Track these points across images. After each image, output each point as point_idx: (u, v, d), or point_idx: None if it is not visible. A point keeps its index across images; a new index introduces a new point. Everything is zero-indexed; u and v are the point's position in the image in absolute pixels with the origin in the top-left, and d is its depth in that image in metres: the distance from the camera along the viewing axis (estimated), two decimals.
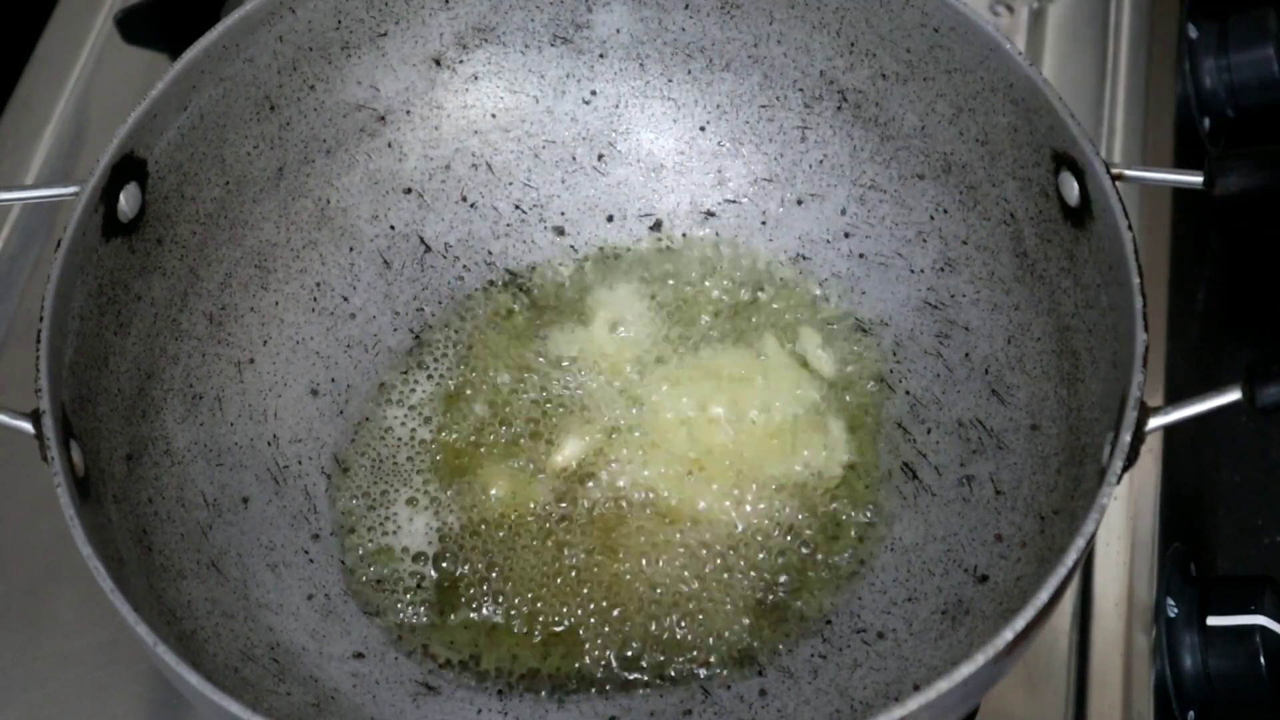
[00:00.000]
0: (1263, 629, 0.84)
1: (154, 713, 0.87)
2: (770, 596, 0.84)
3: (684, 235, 0.94)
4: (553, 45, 0.94)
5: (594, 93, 0.95)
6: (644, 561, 0.85)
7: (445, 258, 0.94)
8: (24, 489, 0.92)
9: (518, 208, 0.95)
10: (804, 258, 0.93)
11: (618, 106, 0.96)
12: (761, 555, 0.85)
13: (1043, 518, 0.80)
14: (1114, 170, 0.78)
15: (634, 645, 0.83)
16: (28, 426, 0.75)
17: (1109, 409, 0.75)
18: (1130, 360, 0.73)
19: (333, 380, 0.90)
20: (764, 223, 0.94)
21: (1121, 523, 0.90)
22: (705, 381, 0.90)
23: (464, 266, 0.94)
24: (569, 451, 0.88)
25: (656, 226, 0.94)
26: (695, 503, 0.86)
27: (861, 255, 0.92)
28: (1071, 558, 0.70)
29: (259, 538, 0.85)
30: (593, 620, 0.83)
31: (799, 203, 0.94)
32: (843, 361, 0.90)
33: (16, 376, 0.82)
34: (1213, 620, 0.85)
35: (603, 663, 0.82)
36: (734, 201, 0.95)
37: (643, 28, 0.94)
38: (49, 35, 1.14)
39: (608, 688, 0.82)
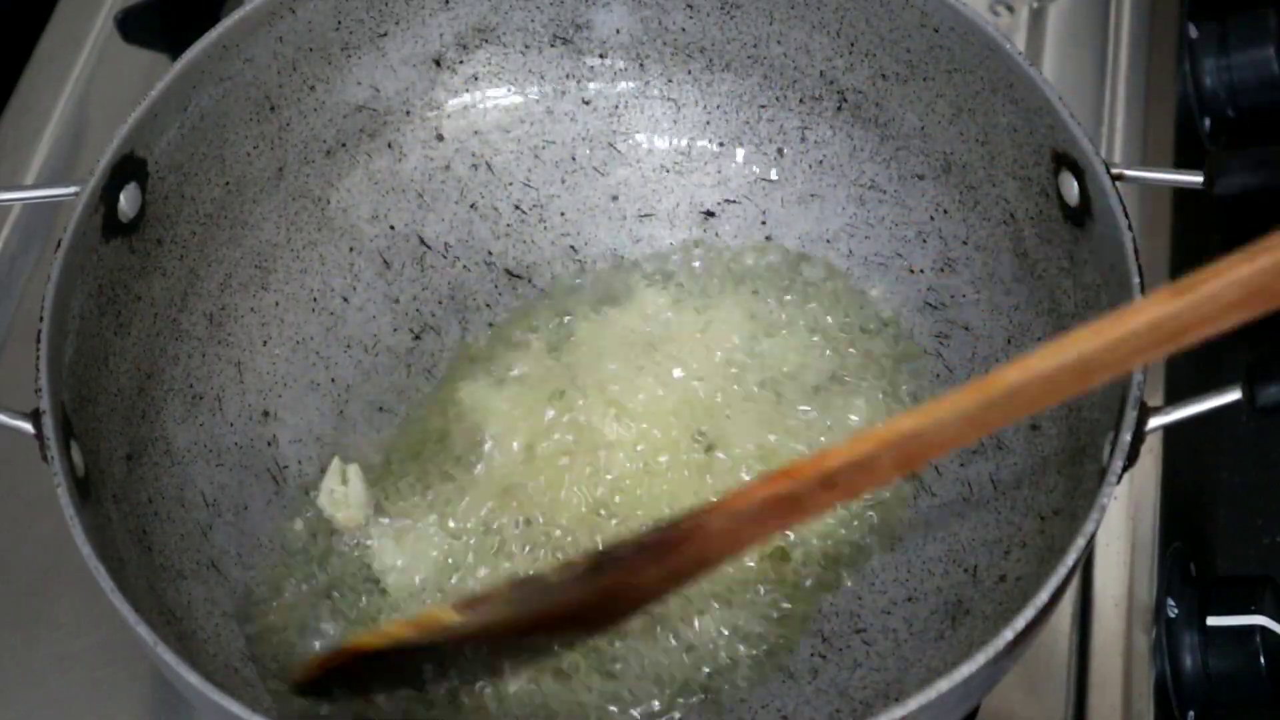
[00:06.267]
0: (1263, 629, 0.84)
1: (154, 713, 0.87)
2: (770, 596, 0.83)
3: (684, 236, 0.95)
4: (553, 45, 0.94)
5: (594, 93, 0.95)
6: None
7: (445, 258, 0.94)
8: (24, 489, 0.92)
9: (518, 208, 0.95)
10: (804, 258, 0.93)
11: (618, 107, 0.96)
12: (761, 554, 0.85)
13: (1043, 518, 0.80)
14: (1114, 170, 0.78)
15: (633, 644, 0.82)
16: (28, 426, 0.75)
17: (1109, 409, 0.75)
18: None
19: (333, 380, 0.90)
20: (764, 223, 0.94)
21: (1121, 523, 0.90)
22: (705, 381, 0.90)
23: (464, 266, 0.94)
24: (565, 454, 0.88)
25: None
26: (695, 501, 0.86)
27: (862, 255, 0.92)
28: (1071, 558, 0.70)
29: (259, 538, 0.85)
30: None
31: (799, 203, 0.94)
32: (843, 362, 0.90)
33: (16, 376, 0.82)
34: (1213, 620, 0.85)
35: (602, 662, 0.82)
36: (734, 201, 0.95)
37: (643, 28, 0.94)
38: (49, 35, 1.14)
39: (607, 688, 0.81)
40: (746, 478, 0.85)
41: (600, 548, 0.72)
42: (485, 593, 0.73)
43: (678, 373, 0.89)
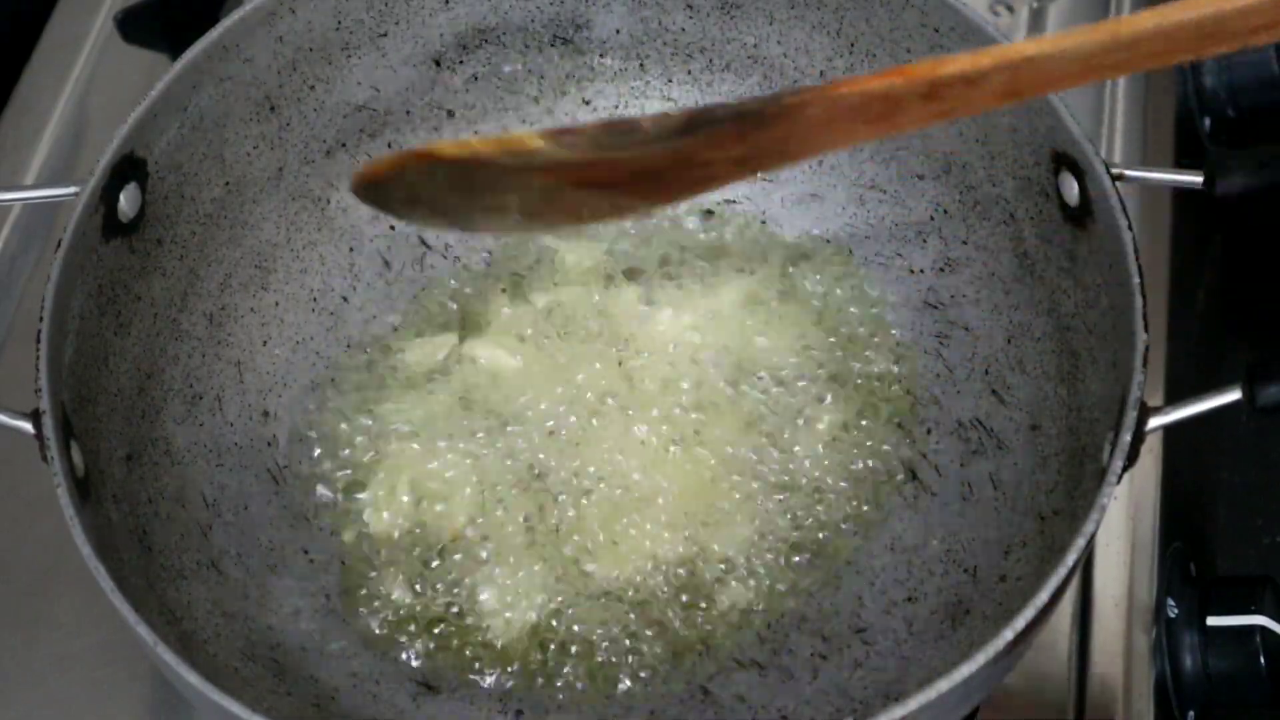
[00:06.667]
0: (1263, 629, 0.84)
1: (154, 713, 0.87)
2: (770, 596, 0.83)
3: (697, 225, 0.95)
4: (553, 45, 0.94)
5: (594, 93, 0.95)
6: (642, 561, 0.85)
7: (445, 258, 0.94)
8: (24, 489, 0.92)
9: None
10: (804, 258, 0.93)
11: (618, 107, 0.96)
12: (761, 555, 0.85)
13: (1043, 518, 0.80)
14: (1114, 170, 0.78)
15: (633, 645, 0.82)
16: (28, 426, 0.75)
17: (1109, 409, 0.75)
18: (1130, 360, 0.73)
19: (333, 380, 0.90)
20: (764, 223, 0.94)
21: (1121, 523, 0.89)
22: (706, 380, 0.90)
23: (464, 266, 0.94)
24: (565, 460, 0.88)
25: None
26: (696, 503, 0.86)
27: (862, 255, 0.92)
28: (1071, 558, 0.70)
29: (259, 538, 0.85)
30: (591, 621, 0.83)
31: (799, 203, 0.94)
32: (843, 362, 0.90)
33: (16, 376, 0.82)
34: (1213, 620, 0.85)
35: (601, 662, 0.82)
36: (734, 201, 0.95)
37: (643, 28, 0.94)
38: (49, 35, 1.14)
39: (607, 688, 0.82)
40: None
41: (697, 107, 0.69)
42: (574, 126, 0.67)
43: (676, 369, 0.89)
